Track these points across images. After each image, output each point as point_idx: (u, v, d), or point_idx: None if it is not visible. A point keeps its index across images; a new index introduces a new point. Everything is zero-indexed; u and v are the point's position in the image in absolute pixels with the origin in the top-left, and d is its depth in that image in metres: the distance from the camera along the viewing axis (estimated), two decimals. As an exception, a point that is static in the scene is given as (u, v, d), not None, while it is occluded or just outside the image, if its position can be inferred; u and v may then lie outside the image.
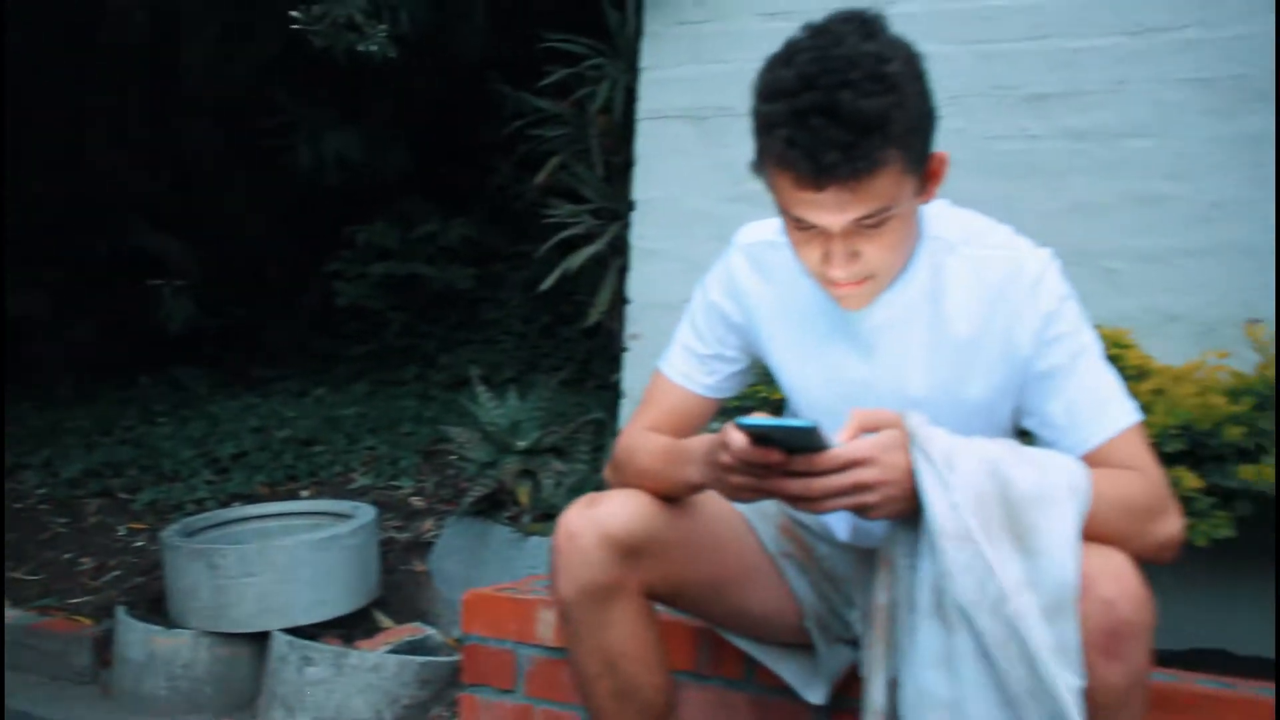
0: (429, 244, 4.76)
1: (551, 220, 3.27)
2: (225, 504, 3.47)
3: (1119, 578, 1.20)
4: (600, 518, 1.47)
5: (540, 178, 3.34)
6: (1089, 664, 1.19)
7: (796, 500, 1.28)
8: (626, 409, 2.71)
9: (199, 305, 5.13)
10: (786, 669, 1.69)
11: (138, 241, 5.32)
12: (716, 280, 1.59)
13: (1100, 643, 1.19)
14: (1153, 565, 1.28)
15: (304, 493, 3.50)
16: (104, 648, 2.78)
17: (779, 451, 1.26)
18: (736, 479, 1.31)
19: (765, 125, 1.26)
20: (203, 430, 4.11)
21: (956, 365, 1.39)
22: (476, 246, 4.76)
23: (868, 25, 1.27)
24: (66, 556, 3.35)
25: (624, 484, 1.54)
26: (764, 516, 1.62)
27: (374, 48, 2.83)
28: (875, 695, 1.36)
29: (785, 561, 1.61)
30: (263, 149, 4.86)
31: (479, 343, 4.64)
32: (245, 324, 5.29)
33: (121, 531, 3.50)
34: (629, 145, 3.06)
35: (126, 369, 5.11)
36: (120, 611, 2.72)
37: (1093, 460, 1.30)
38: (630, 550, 1.46)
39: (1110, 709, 1.21)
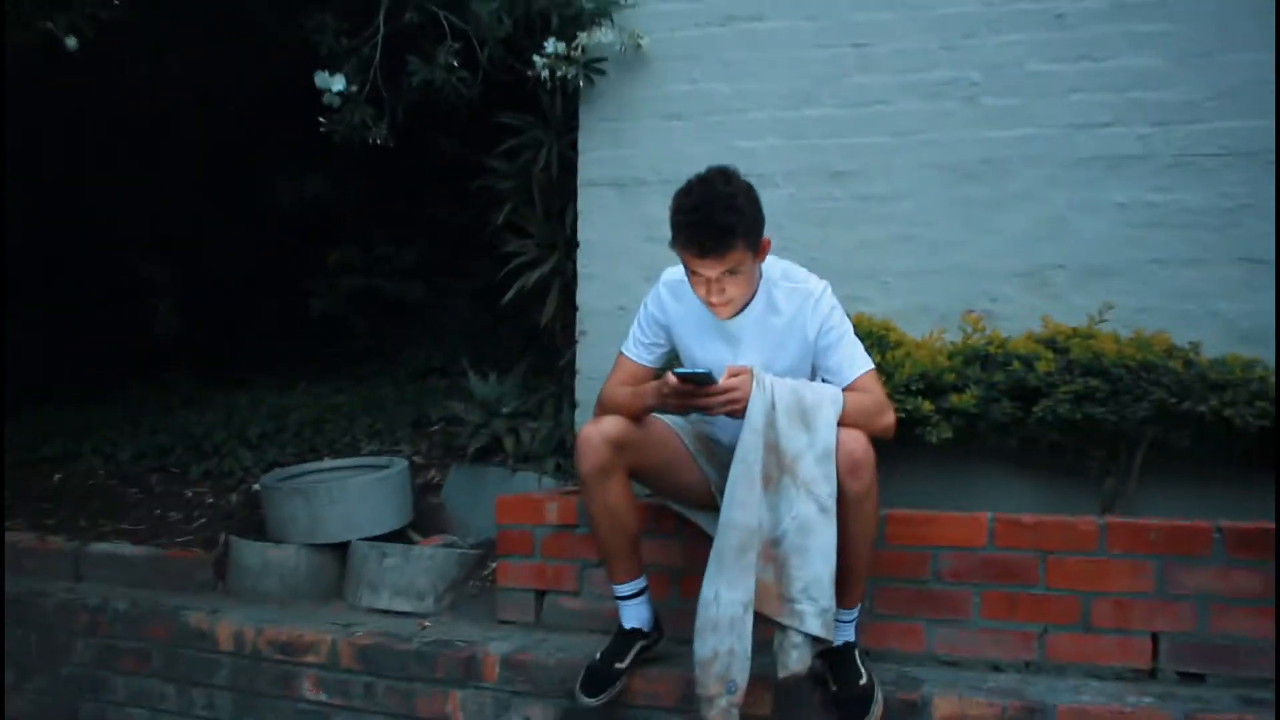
0: (385, 263, 5.94)
1: (507, 250, 4.51)
2: (268, 470, 4.63)
3: (856, 439, 2.57)
4: (602, 426, 2.77)
5: (500, 219, 4.55)
6: (842, 482, 2.55)
7: (702, 409, 2.62)
8: (580, 382, 4.00)
9: (185, 319, 6.21)
10: (701, 519, 3.01)
11: (131, 266, 6.33)
12: (652, 300, 2.92)
13: (847, 470, 2.55)
14: (907, 451, 2.65)
15: (328, 458, 4.66)
16: (219, 565, 3.96)
17: (693, 385, 2.59)
18: (672, 401, 2.66)
19: (675, 226, 2.62)
20: (223, 418, 5.20)
21: (778, 346, 2.75)
22: (425, 266, 5.95)
23: (726, 175, 2.62)
24: (157, 512, 4.49)
25: (605, 414, 2.83)
26: (685, 430, 2.95)
27: (378, 141, 4.06)
28: None
29: (699, 455, 2.93)
30: (245, 186, 5.95)
31: (429, 342, 5.85)
32: (226, 333, 6.35)
33: (189, 494, 4.63)
34: (562, 195, 4.35)
35: (120, 375, 6.12)
36: (233, 538, 3.91)
37: (850, 388, 2.67)
38: (617, 444, 2.76)
39: (856, 505, 2.58)
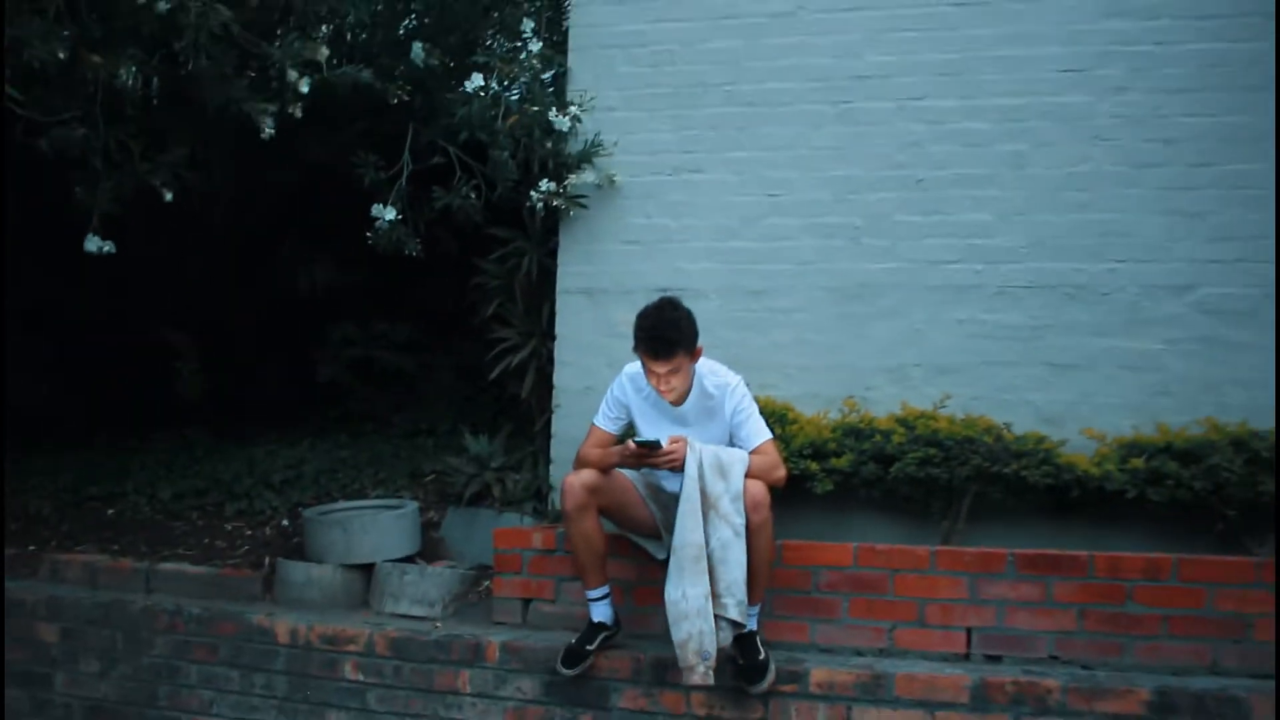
0: (382, 339, 7.07)
1: (494, 336, 5.65)
2: (291, 512, 5.70)
3: (757, 486, 3.78)
4: (580, 476, 3.93)
5: (489, 311, 5.68)
6: (747, 516, 3.74)
7: (652, 466, 3.84)
8: (556, 445, 5.14)
9: (204, 381, 7.26)
10: (649, 545, 4.18)
11: (158, 333, 7.37)
12: (617, 387, 4.09)
13: (751, 507, 3.75)
14: (800, 499, 3.85)
15: (341, 500, 5.73)
16: (267, 581, 5.03)
17: (646, 449, 3.78)
18: (630, 460, 3.86)
19: (636, 336, 3.82)
20: (246, 467, 6.26)
21: (708, 421, 3.95)
22: (415, 343, 7.08)
23: (674, 303, 3.86)
24: (205, 541, 5.54)
25: (582, 468, 3.97)
26: (638, 480, 4.11)
27: (413, 253, 5.21)
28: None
29: (648, 498, 4.10)
30: (264, 269, 7.04)
31: (419, 407, 6.96)
32: (239, 395, 7.40)
33: (228, 528, 5.69)
34: (538, 295, 5.51)
35: (145, 429, 7.14)
36: (280, 559, 4.99)
37: (754, 451, 3.87)
38: (591, 489, 3.92)
39: (756, 532, 3.77)
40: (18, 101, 3.91)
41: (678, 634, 3.73)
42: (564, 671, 4.01)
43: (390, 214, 5.05)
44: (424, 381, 7.06)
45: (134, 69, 4.23)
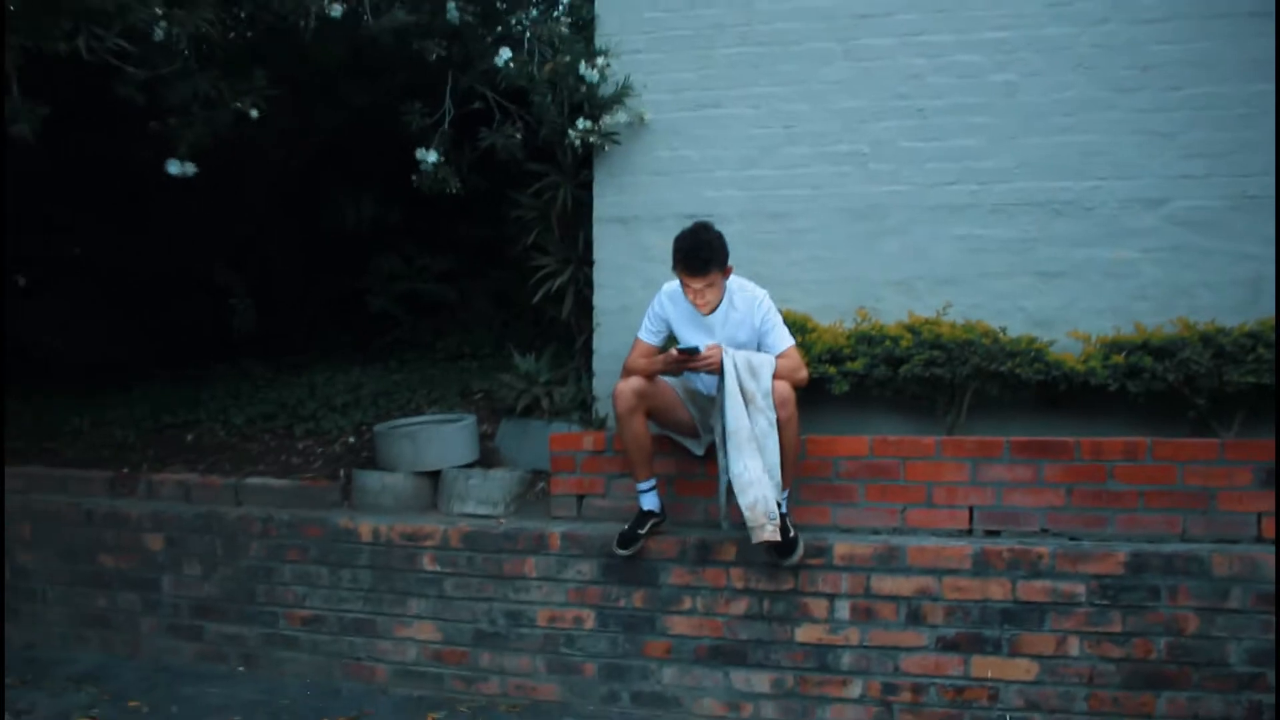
0: (424, 271, 7.62)
1: (534, 264, 6.20)
2: (356, 430, 6.29)
3: (782, 385, 4.37)
4: (630, 382, 4.50)
5: (529, 240, 6.23)
6: (776, 410, 4.31)
7: (692, 370, 4.44)
8: (597, 360, 5.70)
9: (258, 316, 7.82)
10: (689, 443, 4.77)
11: (209, 272, 7.92)
12: (657, 304, 4.65)
13: (779, 404, 4.33)
14: (821, 400, 4.43)
15: (400, 417, 6.31)
16: (344, 490, 5.63)
17: (686, 355, 4.35)
18: (673, 366, 4.45)
19: (675, 255, 4.41)
20: (307, 392, 6.84)
21: (737, 330, 4.52)
22: (454, 273, 7.62)
23: (706, 225, 4.43)
24: (282, 458, 6.13)
25: (629, 375, 4.55)
26: (678, 385, 4.69)
27: (454, 190, 5.73)
28: (715, 437, 4.46)
29: (687, 401, 4.68)
30: (312, 207, 7.56)
31: (460, 333, 7.52)
32: (289, 328, 7.96)
33: (300, 446, 6.28)
34: (573, 224, 6.05)
35: (203, 362, 7.71)
36: (355, 470, 5.59)
37: (780, 356, 4.45)
38: (640, 394, 4.51)
39: (784, 425, 4.35)
40: (123, 57, 4.42)
41: (745, 500, 4.29)
42: (619, 553, 4.62)
43: (433, 157, 5.57)
44: (464, 309, 7.60)
45: (210, 17, 4.73)
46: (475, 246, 7.54)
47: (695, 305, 4.50)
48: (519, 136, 5.66)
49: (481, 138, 5.68)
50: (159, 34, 4.52)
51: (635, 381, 4.53)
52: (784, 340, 4.53)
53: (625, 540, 4.62)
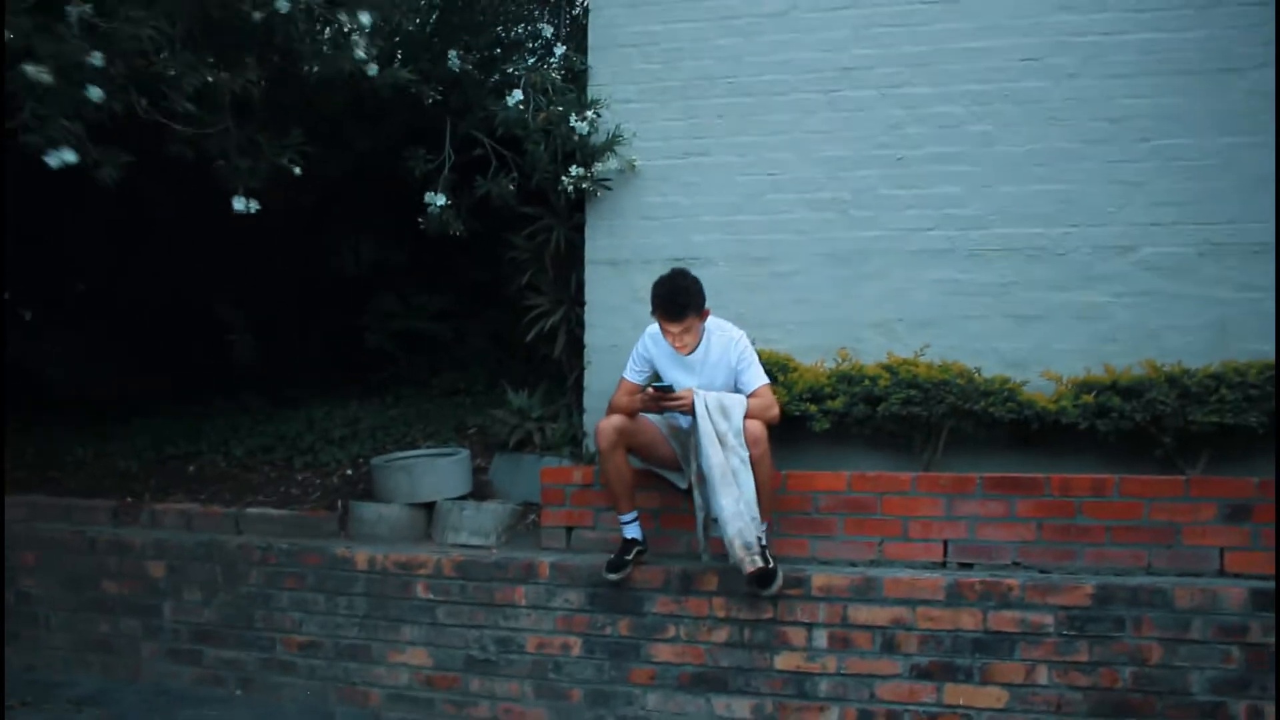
0: (421, 309, 7.83)
1: (528, 304, 6.40)
2: (353, 463, 6.47)
3: (754, 424, 4.56)
4: (612, 420, 4.70)
5: (523, 280, 6.44)
6: (749, 447, 4.50)
7: (667, 408, 4.64)
8: (588, 397, 5.89)
9: (259, 352, 8.02)
10: (672, 476, 4.96)
11: (209, 309, 8.12)
12: (641, 345, 4.86)
13: (751, 442, 4.52)
14: (802, 437, 4.62)
15: (396, 450, 6.49)
16: (341, 521, 5.80)
17: (661, 392, 4.55)
18: (650, 403, 4.64)
19: (654, 302, 4.64)
20: (306, 425, 7.03)
21: (716, 371, 4.72)
22: (450, 312, 7.83)
23: (683, 272, 4.67)
24: (281, 489, 6.31)
25: (613, 413, 4.73)
26: (660, 422, 4.88)
27: (458, 233, 5.95)
28: (692, 474, 4.65)
29: (670, 437, 4.87)
30: (314, 251, 7.79)
31: (455, 370, 7.72)
32: (288, 364, 8.15)
33: (299, 478, 6.46)
34: (566, 266, 6.26)
35: (203, 396, 7.89)
36: (353, 501, 5.77)
37: (752, 395, 4.65)
38: (621, 431, 4.70)
39: (757, 463, 4.53)
40: (184, 119, 4.69)
41: (726, 534, 4.50)
42: (609, 577, 4.79)
43: (440, 200, 5.79)
44: (459, 347, 7.81)
45: (254, 77, 4.99)
46: (472, 286, 7.76)
47: (675, 346, 4.72)
48: (513, 187, 5.87)
49: (479, 186, 5.89)
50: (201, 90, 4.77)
51: (617, 419, 4.73)
52: (757, 379, 4.73)
53: (614, 566, 4.80)
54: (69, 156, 4.20)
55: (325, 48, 5.32)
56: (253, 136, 5.31)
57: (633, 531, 4.85)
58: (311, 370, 8.17)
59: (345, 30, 5.05)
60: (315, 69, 5.41)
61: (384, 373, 7.91)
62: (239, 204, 5.23)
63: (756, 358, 4.79)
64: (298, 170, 5.36)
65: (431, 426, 6.80)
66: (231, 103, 5.05)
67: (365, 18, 5.01)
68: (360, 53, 5.09)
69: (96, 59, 4.14)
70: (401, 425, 6.86)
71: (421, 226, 5.91)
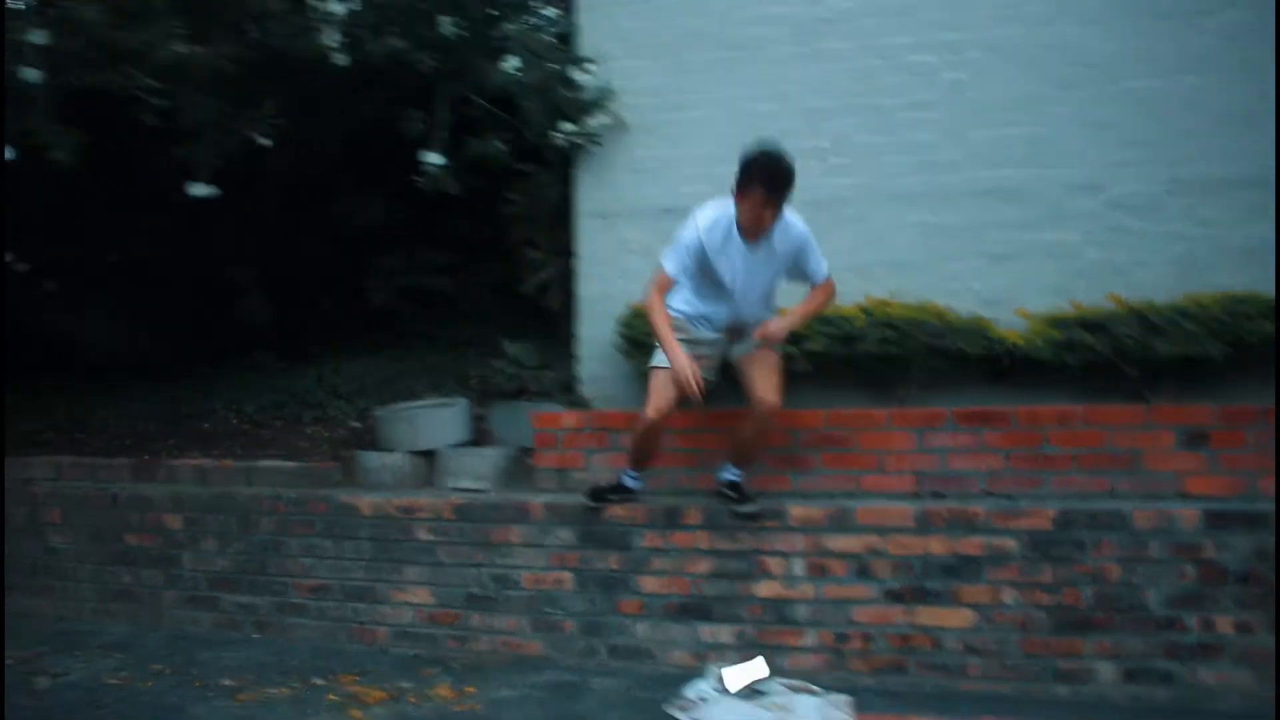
0: (425, 266, 8.06)
1: (527, 257, 6.63)
2: (359, 416, 6.73)
3: (769, 400, 4.77)
4: (661, 410, 4.75)
5: (516, 234, 6.67)
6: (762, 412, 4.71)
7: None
8: (583, 345, 6.13)
9: (271, 312, 8.28)
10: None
11: (220, 270, 8.37)
12: (690, 233, 4.61)
13: (768, 410, 4.73)
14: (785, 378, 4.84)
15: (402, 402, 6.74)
16: (346, 470, 6.06)
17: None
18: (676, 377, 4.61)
19: (755, 169, 4.45)
20: (315, 381, 7.29)
21: (772, 263, 4.72)
22: (452, 267, 8.06)
23: (781, 150, 4.52)
24: (290, 443, 6.58)
25: (649, 310, 4.68)
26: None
27: (454, 192, 6.16)
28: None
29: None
30: (321, 213, 8.03)
31: (457, 324, 7.95)
32: (299, 321, 8.41)
33: (308, 431, 6.73)
34: (561, 220, 6.48)
35: (216, 356, 8.16)
36: (357, 451, 6.03)
37: (819, 284, 4.81)
38: (667, 418, 4.80)
39: (761, 419, 4.74)
40: (153, 90, 4.89)
41: None
42: (586, 500, 5.08)
43: (438, 159, 6.00)
44: (463, 301, 8.05)
45: (229, 52, 5.20)
46: (473, 242, 7.96)
47: (755, 224, 4.51)
48: (505, 146, 6.07)
49: (471, 148, 6.09)
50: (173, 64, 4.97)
51: (666, 407, 4.75)
52: (824, 265, 4.82)
53: (596, 495, 5.09)
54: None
55: (295, 34, 5.50)
56: (224, 109, 5.50)
57: (633, 484, 5.13)
58: (322, 328, 8.42)
59: (314, 17, 5.21)
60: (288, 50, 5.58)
61: (391, 328, 8.15)
62: (198, 190, 5.43)
63: (817, 244, 4.78)
64: (269, 142, 5.55)
65: (435, 379, 7.03)
66: (208, 77, 5.24)
67: (337, 6, 5.17)
68: (327, 40, 5.25)
69: (37, 37, 4.27)
70: (407, 379, 7.10)
71: (420, 185, 6.12)
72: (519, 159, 6.43)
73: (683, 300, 4.85)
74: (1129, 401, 5.18)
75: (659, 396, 4.77)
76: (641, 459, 5.05)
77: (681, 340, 4.70)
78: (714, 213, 4.63)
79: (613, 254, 6.08)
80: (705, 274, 4.72)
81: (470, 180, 6.48)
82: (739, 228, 4.59)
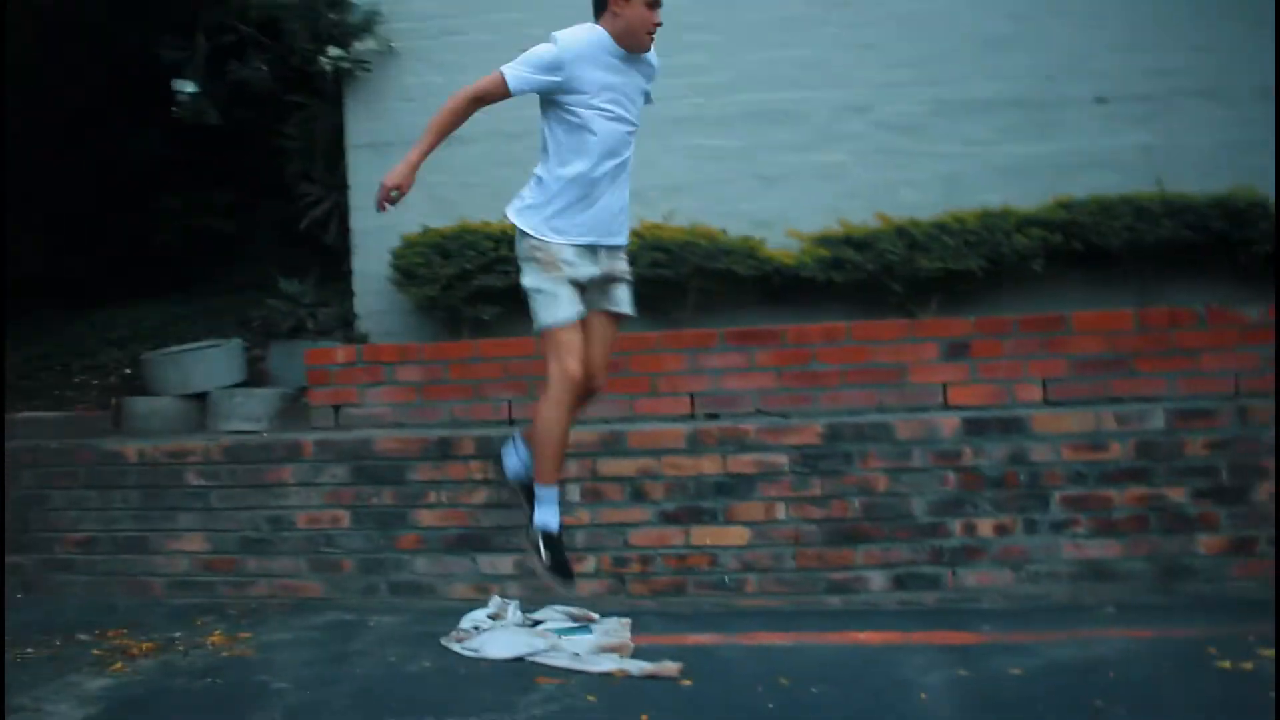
0: (206, 206, 7.76)
1: (300, 192, 6.41)
2: (134, 363, 6.43)
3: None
4: (572, 366, 3.55)
5: (292, 169, 6.44)
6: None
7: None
8: (358, 280, 5.97)
9: (47, 255, 7.87)
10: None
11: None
12: (563, 40, 3.58)
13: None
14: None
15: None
16: (115, 418, 5.80)
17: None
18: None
19: None
20: (88, 329, 6.98)
21: (643, 81, 3.75)
22: (236, 207, 7.78)
23: None
24: (55, 393, 6.27)
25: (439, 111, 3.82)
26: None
27: (211, 122, 5.90)
28: None
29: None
30: (99, 141, 7.63)
31: (243, 265, 7.69)
32: (82, 266, 8.00)
33: (76, 380, 6.42)
34: (335, 153, 6.27)
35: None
36: (124, 398, 5.77)
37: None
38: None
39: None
40: None
41: None
42: (554, 581, 3.81)
43: (189, 87, 5.75)
44: (247, 241, 7.78)
45: None
46: (253, 179, 7.69)
47: (650, 32, 3.69)
48: (265, 69, 5.84)
49: (231, 69, 5.84)
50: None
51: (574, 366, 3.61)
52: None
53: (559, 568, 3.80)
54: None
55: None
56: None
57: (552, 516, 3.78)
58: (105, 275, 8.06)
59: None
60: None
61: (173, 271, 7.84)
62: None
63: None
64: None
65: (215, 323, 6.80)
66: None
67: None
68: None
69: None
70: (185, 322, 6.88)
71: (175, 114, 5.85)
72: (291, 90, 6.19)
73: (540, 183, 3.78)
74: (899, 318, 5.29)
75: (564, 354, 3.60)
76: (556, 461, 3.73)
77: (549, 269, 3.64)
78: (572, 30, 3.68)
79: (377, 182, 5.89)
80: (563, 122, 3.68)
81: (242, 113, 6.24)
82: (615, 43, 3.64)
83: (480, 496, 4.93)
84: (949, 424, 4.68)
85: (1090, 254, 5.24)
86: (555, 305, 3.60)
